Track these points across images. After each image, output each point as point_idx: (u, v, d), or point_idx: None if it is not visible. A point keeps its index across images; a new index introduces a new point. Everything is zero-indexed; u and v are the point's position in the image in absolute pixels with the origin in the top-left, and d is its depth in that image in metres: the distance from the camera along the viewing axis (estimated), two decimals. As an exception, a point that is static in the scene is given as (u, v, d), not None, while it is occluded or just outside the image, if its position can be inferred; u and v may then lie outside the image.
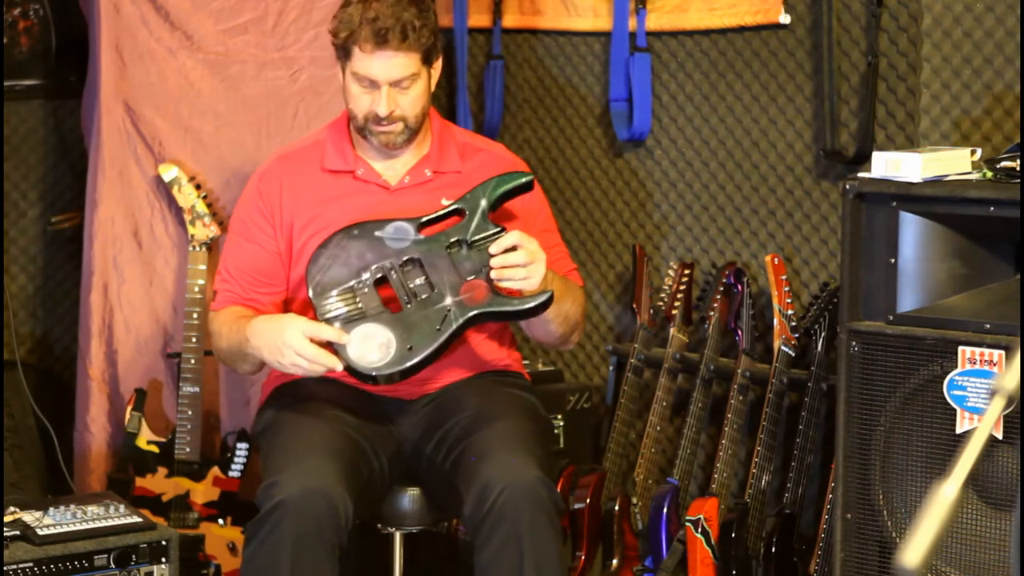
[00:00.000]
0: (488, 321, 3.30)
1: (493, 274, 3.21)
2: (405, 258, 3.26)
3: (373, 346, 3.20)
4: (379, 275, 3.25)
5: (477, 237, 3.25)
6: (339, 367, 3.16)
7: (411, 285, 3.24)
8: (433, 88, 3.40)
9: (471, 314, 3.22)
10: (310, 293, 3.25)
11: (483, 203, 3.28)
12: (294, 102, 4.19)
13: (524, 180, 3.34)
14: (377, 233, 3.27)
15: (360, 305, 3.23)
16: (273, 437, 3.29)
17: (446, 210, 3.29)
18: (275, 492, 3.07)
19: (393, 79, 3.28)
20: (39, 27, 4.33)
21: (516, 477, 3.08)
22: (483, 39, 4.48)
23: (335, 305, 3.23)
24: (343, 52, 3.31)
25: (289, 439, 3.22)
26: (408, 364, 3.19)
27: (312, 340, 3.15)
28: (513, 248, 3.20)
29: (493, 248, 3.21)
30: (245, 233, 3.44)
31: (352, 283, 3.25)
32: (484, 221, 3.27)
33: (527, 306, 3.22)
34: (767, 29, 3.92)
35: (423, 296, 3.23)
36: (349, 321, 3.21)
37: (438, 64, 3.39)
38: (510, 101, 4.48)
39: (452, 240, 3.26)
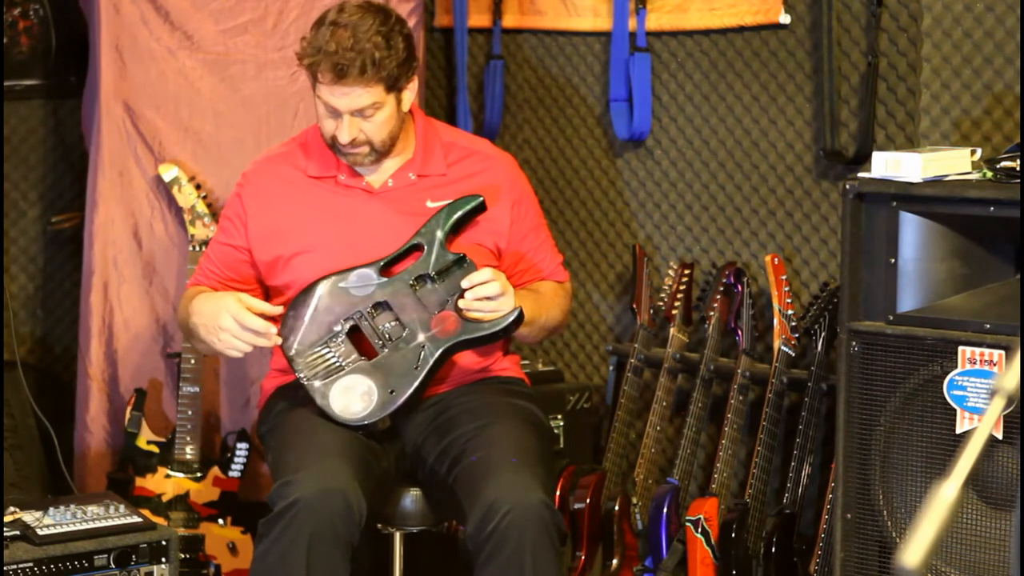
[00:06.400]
0: (464, 349, 3.33)
1: (461, 304, 3.25)
2: (372, 303, 3.30)
3: (355, 397, 3.26)
4: (350, 325, 3.29)
5: (439, 269, 3.29)
6: (277, 341, 3.24)
7: (383, 329, 3.29)
8: (407, 107, 3.37)
9: (445, 347, 3.27)
10: (287, 356, 3.30)
11: (439, 234, 3.31)
12: (294, 102, 4.19)
13: (475, 203, 3.35)
14: (341, 284, 3.31)
15: (337, 359, 3.28)
16: (284, 436, 3.29)
17: (404, 248, 3.32)
18: (291, 491, 3.08)
19: (353, 109, 3.27)
20: (39, 27, 4.33)
21: (521, 499, 3.08)
22: (483, 39, 4.48)
23: (312, 363, 3.28)
24: (309, 74, 3.31)
25: (302, 438, 3.23)
26: (393, 408, 3.26)
27: (244, 326, 3.21)
28: (484, 282, 3.24)
29: (465, 283, 3.24)
30: (224, 230, 3.48)
31: (326, 338, 3.29)
32: (444, 252, 3.30)
33: (499, 328, 3.26)
34: (767, 29, 3.92)
35: (396, 337, 3.28)
36: (328, 376, 3.27)
37: (412, 85, 3.34)
38: (510, 101, 4.48)
39: (415, 277, 3.30)
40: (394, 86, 3.29)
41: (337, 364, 3.28)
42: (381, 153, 3.36)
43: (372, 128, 3.31)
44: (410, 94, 3.36)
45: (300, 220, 3.40)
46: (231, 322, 3.22)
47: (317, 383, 3.27)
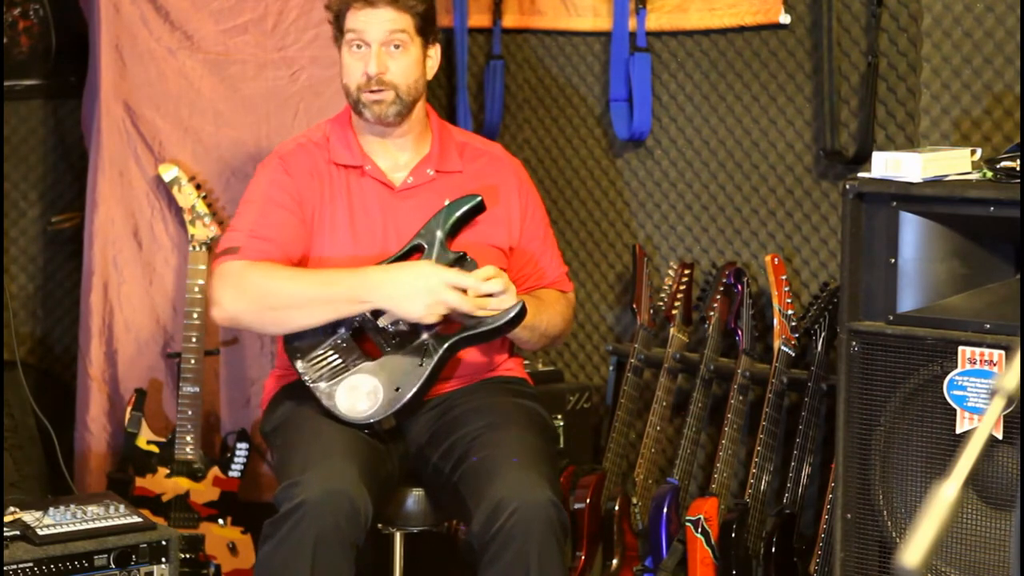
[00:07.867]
0: (468, 346, 3.33)
1: None
2: None
3: (361, 396, 3.26)
4: (355, 326, 3.30)
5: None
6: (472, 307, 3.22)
7: (386, 329, 3.29)
8: (431, 75, 3.43)
9: (449, 343, 3.27)
10: (291, 359, 3.30)
11: (439, 234, 3.32)
12: (294, 102, 4.19)
13: (474, 203, 3.36)
14: None
15: (342, 360, 3.28)
16: (289, 437, 3.29)
17: (405, 249, 3.33)
18: (297, 492, 3.07)
19: (383, 36, 3.32)
20: (39, 27, 4.33)
21: (528, 497, 3.08)
22: (483, 39, 4.48)
23: (317, 366, 3.28)
24: (338, 24, 3.36)
25: (308, 439, 3.23)
26: (398, 406, 3.25)
27: (475, 291, 3.22)
28: (487, 279, 3.24)
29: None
30: (278, 199, 3.38)
31: (330, 340, 3.30)
32: (444, 251, 3.31)
33: (502, 322, 3.26)
34: (767, 29, 3.92)
35: (400, 336, 3.28)
36: (334, 377, 3.28)
37: (435, 50, 3.41)
38: (510, 101, 4.48)
39: None
40: (422, 30, 3.36)
41: (342, 365, 3.28)
42: (405, 105, 3.37)
43: (399, 68, 3.34)
44: (433, 62, 3.42)
45: (327, 205, 3.40)
46: (454, 294, 3.19)
47: (322, 385, 3.27)
